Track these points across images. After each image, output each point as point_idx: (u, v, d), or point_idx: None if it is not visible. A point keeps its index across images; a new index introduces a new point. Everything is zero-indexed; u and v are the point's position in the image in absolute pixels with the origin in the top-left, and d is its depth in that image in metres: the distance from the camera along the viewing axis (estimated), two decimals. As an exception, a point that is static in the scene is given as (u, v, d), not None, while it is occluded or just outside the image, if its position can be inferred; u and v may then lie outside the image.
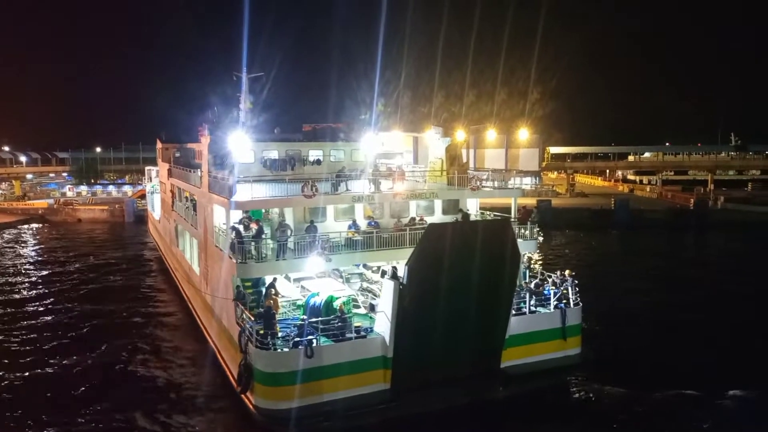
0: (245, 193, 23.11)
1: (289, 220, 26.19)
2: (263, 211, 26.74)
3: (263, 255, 21.89)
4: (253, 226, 23.42)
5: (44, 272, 47.81)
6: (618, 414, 21.57)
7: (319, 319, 19.73)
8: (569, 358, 23.41)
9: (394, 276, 19.01)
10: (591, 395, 23.11)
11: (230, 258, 22.00)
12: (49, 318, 34.25)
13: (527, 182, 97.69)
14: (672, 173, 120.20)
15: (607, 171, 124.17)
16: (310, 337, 18.74)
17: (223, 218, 24.26)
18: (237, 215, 23.99)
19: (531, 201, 75.95)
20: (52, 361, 27.09)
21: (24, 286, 42.79)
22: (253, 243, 21.79)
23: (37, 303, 37.74)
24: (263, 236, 22.52)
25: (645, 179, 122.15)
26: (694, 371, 24.81)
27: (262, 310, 20.06)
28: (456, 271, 18.71)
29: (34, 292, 40.91)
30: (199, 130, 32.72)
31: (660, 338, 29.70)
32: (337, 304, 20.64)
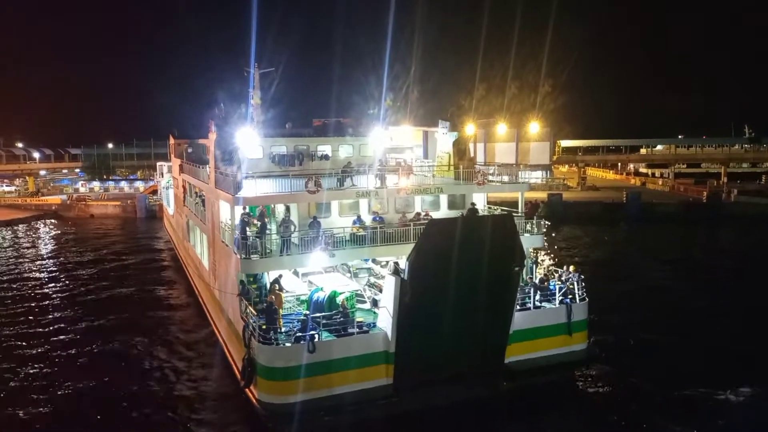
0: (249, 189, 23.21)
1: (294, 215, 26.28)
2: (272, 206, 26.85)
3: (267, 251, 22.00)
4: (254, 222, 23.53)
5: (57, 267, 48.42)
6: (623, 410, 21.45)
7: (322, 314, 19.81)
8: (575, 354, 23.22)
9: (396, 271, 19.01)
10: (596, 391, 23.04)
11: (234, 253, 22.17)
12: (60, 310, 34.72)
13: (537, 176, 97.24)
14: (684, 166, 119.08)
15: (619, 164, 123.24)
16: (312, 332, 18.83)
17: (228, 214, 24.39)
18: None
19: (542, 195, 75.73)
20: (61, 349, 27.80)
21: (36, 280, 43.31)
22: (257, 239, 21.87)
23: (49, 296, 38.21)
24: (267, 232, 22.61)
25: (657, 172, 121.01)
26: (702, 368, 24.57)
27: (264, 305, 20.17)
28: (458, 267, 18.63)
29: (47, 285, 41.39)
30: (209, 125, 32.96)
31: (669, 334, 29.37)
32: (340, 299, 20.66)
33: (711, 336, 29.10)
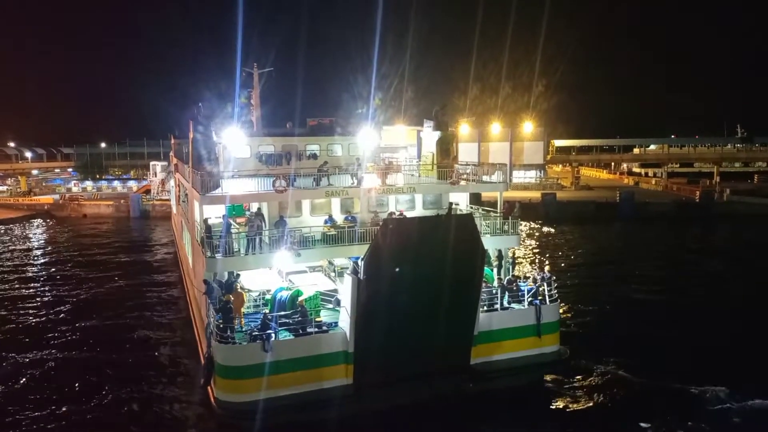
0: (221, 188, 23.22)
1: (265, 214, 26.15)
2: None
3: (234, 250, 21.90)
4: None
5: (48, 266, 48.30)
6: (590, 413, 21.28)
7: (278, 313, 19.72)
8: (544, 356, 23.00)
9: (355, 271, 18.90)
10: (561, 393, 22.84)
11: (202, 252, 22.12)
12: (45, 310, 34.78)
13: (531, 175, 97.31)
14: (677, 165, 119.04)
15: (612, 164, 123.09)
16: (269, 331, 18.74)
17: (205, 213, 24.27)
18: (209, 210, 24.08)
19: (536, 194, 75.86)
20: (37, 347, 28.05)
21: (25, 279, 43.32)
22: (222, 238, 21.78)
23: (37, 296, 38.28)
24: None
25: (650, 172, 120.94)
26: (680, 371, 24.16)
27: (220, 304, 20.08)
28: (415, 267, 18.49)
29: (35, 285, 41.42)
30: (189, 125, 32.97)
31: (647, 336, 28.85)
32: (300, 299, 20.52)
33: (693, 336, 28.91)
